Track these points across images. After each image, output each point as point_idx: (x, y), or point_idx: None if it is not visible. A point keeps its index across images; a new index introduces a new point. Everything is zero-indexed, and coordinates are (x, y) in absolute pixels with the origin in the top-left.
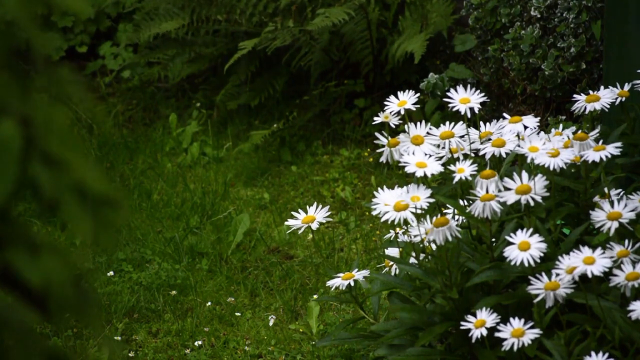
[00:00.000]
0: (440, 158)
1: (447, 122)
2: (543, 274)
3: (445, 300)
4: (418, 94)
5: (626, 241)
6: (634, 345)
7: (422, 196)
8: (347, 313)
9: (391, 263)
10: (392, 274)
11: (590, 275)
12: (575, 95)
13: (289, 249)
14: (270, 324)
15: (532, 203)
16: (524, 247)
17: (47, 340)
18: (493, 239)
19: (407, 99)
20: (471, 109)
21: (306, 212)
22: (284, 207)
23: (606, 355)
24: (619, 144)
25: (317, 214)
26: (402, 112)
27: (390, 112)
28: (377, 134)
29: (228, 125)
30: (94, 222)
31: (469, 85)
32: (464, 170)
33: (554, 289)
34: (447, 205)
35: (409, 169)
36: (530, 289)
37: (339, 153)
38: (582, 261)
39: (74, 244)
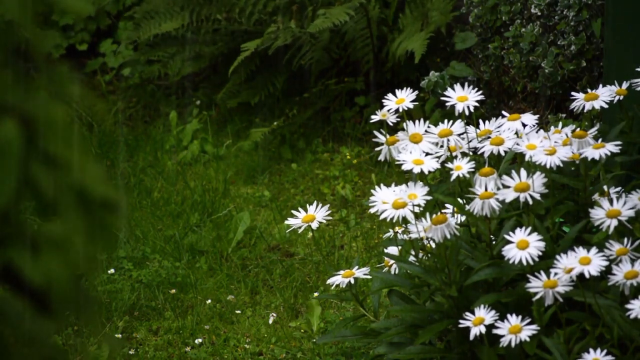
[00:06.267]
0: (439, 157)
1: (446, 120)
2: (542, 272)
3: (445, 298)
4: (416, 92)
5: (625, 239)
6: (633, 343)
7: (419, 194)
8: (348, 311)
9: (391, 262)
10: (392, 272)
11: (587, 276)
12: (574, 94)
13: (290, 246)
14: (271, 321)
15: (530, 201)
16: (522, 245)
17: (47, 338)
18: (492, 237)
19: (405, 97)
20: (469, 107)
21: (306, 211)
22: (284, 205)
23: (608, 355)
24: (618, 142)
25: (317, 213)
26: (401, 109)
27: (389, 110)
28: (375, 132)
29: (228, 123)
30: (92, 224)
31: (466, 83)
32: (461, 167)
33: (552, 287)
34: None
35: (405, 167)
36: (529, 287)
37: (340, 151)
38: (579, 261)
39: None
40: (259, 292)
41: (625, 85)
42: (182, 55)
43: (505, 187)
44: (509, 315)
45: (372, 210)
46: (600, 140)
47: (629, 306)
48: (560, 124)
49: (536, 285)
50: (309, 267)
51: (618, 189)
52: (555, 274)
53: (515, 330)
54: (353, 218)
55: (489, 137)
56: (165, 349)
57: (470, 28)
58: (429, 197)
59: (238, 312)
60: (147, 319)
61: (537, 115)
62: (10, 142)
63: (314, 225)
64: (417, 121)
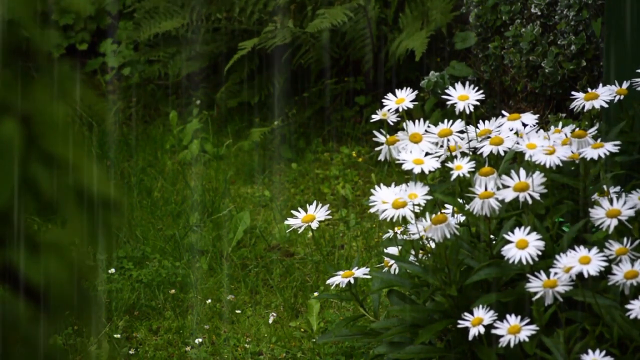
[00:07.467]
0: (439, 156)
1: (446, 120)
2: (541, 271)
3: (445, 298)
4: (416, 92)
5: (625, 239)
6: (633, 343)
7: (419, 193)
8: (348, 310)
9: (391, 262)
10: (392, 272)
11: (586, 275)
12: (574, 93)
13: (290, 246)
14: (271, 321)
15: (530, 200)
16: (521, 245)
17: (47, 338)
18: (492, 237)
19: (405, 97)
20: (469, 106)
21: (306, 211)
22: (284, 205)
23: (607, 355)
24: (617, 141)
25: (317, 213)
26: (400, 109)
27: (389, 110)
28: (375, 132)
29: (228, 122)
30: (92, 224)
31: (467, 82)
32: (462, 167)
33: (552, 286)
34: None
35: (406, 166)
36: (529, 287)
37: (340, 150)
38: (578, 261)
39: (75, 241)
40: (259, 291)
41: (625, 84)
42: (182, 55)
43: (505, 186)
44: (508, 316)
45: (372, 210)
46: (600, 139)
47: (628, 306)
48: (560, 123)
49: (536, 285)
50: (309, 267)
51: (618, 188)
52: (555, 273)
53: (515, 330)
54: (353, 218)
55: (489, 137)
56: (165, 348)
57: (470, 28)
58: (429, 197)
59: (238, 311)
60: (147, 318)
61: (537, 115)
62: (10, 141)
63: (314, 225)
64: (417, 121)
